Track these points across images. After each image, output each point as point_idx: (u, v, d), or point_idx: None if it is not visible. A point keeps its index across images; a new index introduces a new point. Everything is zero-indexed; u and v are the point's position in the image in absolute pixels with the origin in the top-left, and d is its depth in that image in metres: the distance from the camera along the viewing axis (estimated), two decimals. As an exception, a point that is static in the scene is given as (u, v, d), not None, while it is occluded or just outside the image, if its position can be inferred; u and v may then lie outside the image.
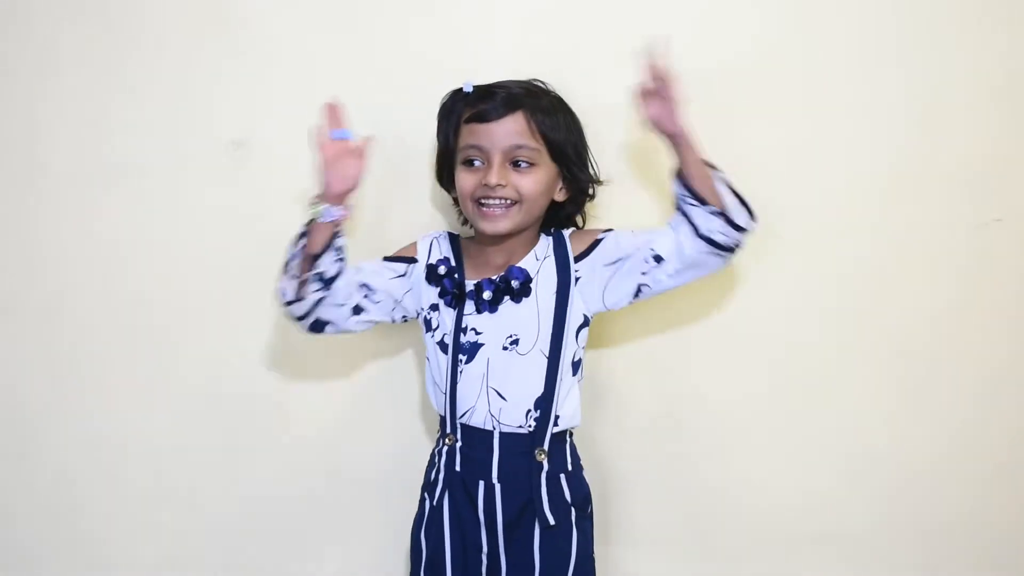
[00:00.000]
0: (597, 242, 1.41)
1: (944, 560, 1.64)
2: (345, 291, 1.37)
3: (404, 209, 1.56)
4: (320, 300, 1.35)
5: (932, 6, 1.56)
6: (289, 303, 1.35)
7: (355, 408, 1.58)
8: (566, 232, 1.44)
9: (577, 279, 1.40)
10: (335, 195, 1.32)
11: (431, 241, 1.45)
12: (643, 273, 1.37)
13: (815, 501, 1.62)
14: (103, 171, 1.57)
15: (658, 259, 1.36)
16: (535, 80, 1.43)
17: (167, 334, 1.59)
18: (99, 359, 1.60)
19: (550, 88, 1.43)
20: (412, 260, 1.44)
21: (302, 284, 1.33)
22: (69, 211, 1.58)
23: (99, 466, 1.61)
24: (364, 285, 1.40)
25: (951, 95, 1.57)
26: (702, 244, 1.33)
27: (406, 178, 1.55)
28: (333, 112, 1.33)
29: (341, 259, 1.35)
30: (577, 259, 1.40)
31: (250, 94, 1.56)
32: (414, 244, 1.46)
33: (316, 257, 1.32)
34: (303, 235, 1.33)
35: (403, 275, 1.43)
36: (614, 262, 1.39)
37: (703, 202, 1.32)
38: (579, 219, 1.49)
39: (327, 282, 1.34)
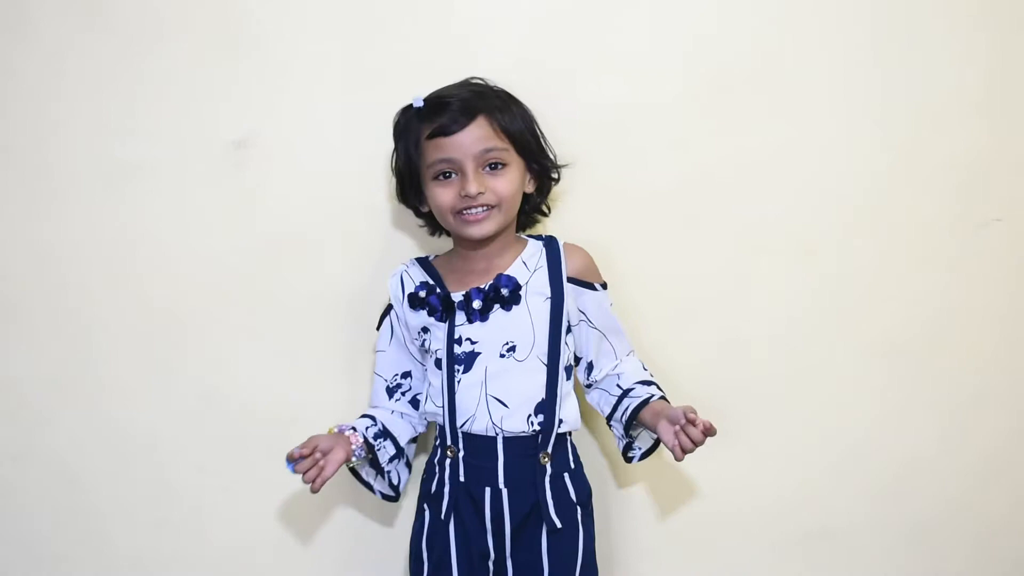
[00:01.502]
0: (591, 286, 1.42)
1: (933, 556, 1.66)
2: (406, 429, 1.47)
3: (400, 213, 1.55)
4: (408, 460, 1.49)
5: (933, 7, 1.56)
6: (397, 495, 1.48)
7: (356, 410, 1.58)
8: (560, 242, 1.43)
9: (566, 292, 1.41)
10: (339, 463, 1.36)
11: (400, 276, 1.45)
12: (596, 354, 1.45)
13: (804, 499, 1.63)
14: (109, 171, 1.56)
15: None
16: (473, 79, 1.41)
17: (171, 333, 1.59)
18: (104, 358, 1.59)
19: (491, 84, 1.41)
20: (389, 308, 1.46)
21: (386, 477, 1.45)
22: (75, 211, 1.57)
23: (104, 465, 1.61)
24: (388, 390, 1.47)
25: (950, 95, 1.58)
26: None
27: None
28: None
29: (386, 437, 1.44)
30: (569, 279, 1.40)
31: (255, 95, 1.55)
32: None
33: (376, 464, 1.43)
34: (360, 478, 1.45)
35: (392, 330, 1.46)
36: (587, 319, 1.42)
37: (626, 428, 1.41)
38: (545, 207, 1.49)
39: (398, 455, 1.45)
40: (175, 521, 1.61)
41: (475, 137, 1.34)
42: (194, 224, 1.57)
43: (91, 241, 1.57)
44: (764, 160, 1.57)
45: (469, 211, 1.35)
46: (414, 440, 1.50)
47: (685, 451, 1.28)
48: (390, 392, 1.47)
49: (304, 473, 1.31)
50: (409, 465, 1.50)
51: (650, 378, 1.43)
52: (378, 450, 1.41)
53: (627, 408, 1.39)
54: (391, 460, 1.43)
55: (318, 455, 1.32)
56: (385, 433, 1.43)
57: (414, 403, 1.48)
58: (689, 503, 1.62)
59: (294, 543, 1.61)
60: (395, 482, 1.46)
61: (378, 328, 1.48)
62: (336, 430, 1.39)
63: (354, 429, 1.40)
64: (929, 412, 1.63)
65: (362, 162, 1.55)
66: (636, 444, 1.44)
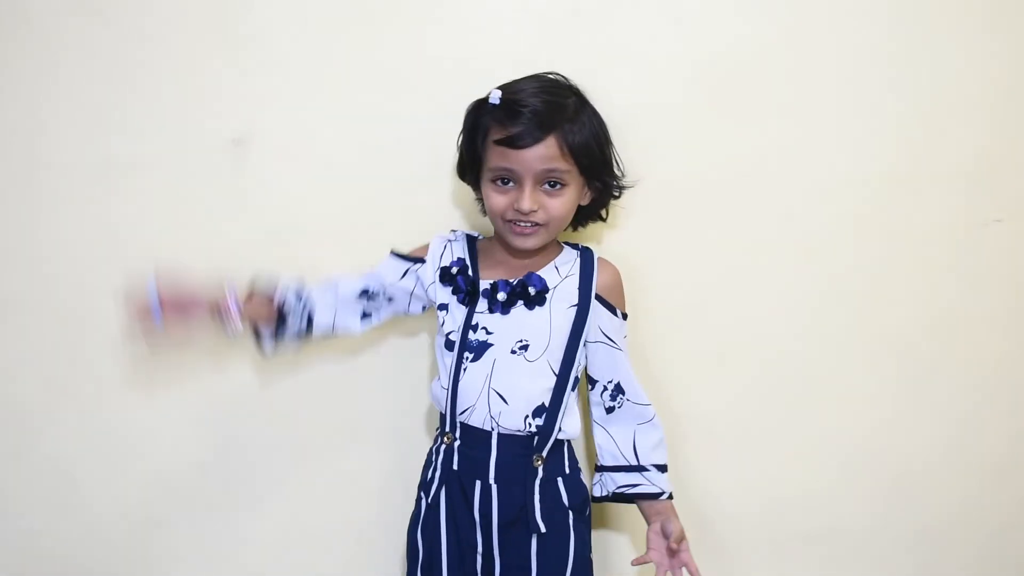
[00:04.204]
0: (613, 309, 1.42)
1: (939, 559, 1.67)
2: (328, 319, 1.42)
3: (401, 212, 1.55)
4: (304, 339, 1.42)
5: (932, 6, 1.55)
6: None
7: (355, 407, 1.58)
8: (595, 255, 1.43)
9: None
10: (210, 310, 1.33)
11: (445, 244, 1.45)
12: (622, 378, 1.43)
13: (810, 501, 1.63)
14: (105, 168, 1.54)
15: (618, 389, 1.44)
16: (551, 74, 1.40)
17: (168, 332, 1.58)
18: (100, 356, 1.57)
19: (569, 82, 1.40)
20: (419, 260, 1.44)
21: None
22: (70, 208, 1.55)
23: (100, 464, 1.60)
24: (364, 292, 1.44)
25: (951, 95, 1.58)
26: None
27: (409, 180, 1.54)
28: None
29: (302, 312, 1.40)
30: (596, 295, 1.40)
31: (253, 92, 1.54)
32: (427, 245, 1.45)
33: (279, 326, 1.39)
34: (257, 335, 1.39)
35: (406, 273, 1.44)
36: (606, 339, 1.41)
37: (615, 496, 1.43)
38: (604, 212, 1.48)
39: (306, 330, 1.41)
40: (173, 521, 1.60)
41: (540, 156, 1.32)
42: (191, 222, 1.56)
43: (88, 238, 1.56)
44: (767, 161, 1.56)
45: (517, 224, 1.36)
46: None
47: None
48: (364, 293, 1.44)
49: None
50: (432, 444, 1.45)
51: (663, 460, 1.42)
52: (280, 319, 1.38)
53: (630, 484, 1.41)
54: (295, 337, 1.40)
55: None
56: (298, 316, 1.40)
57: (365, 315, 1.45)
58: (691, 506, 1.61)
59: (293, 540, 1.61)
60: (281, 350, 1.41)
61: (394, 253, 1.45)
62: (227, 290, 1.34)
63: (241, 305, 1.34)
64: (933, 413, 1.63)
65: (362, 161, 1.54)
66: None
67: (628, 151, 1.51)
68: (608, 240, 1.52)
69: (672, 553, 1.39)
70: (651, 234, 1.56)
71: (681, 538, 1.38)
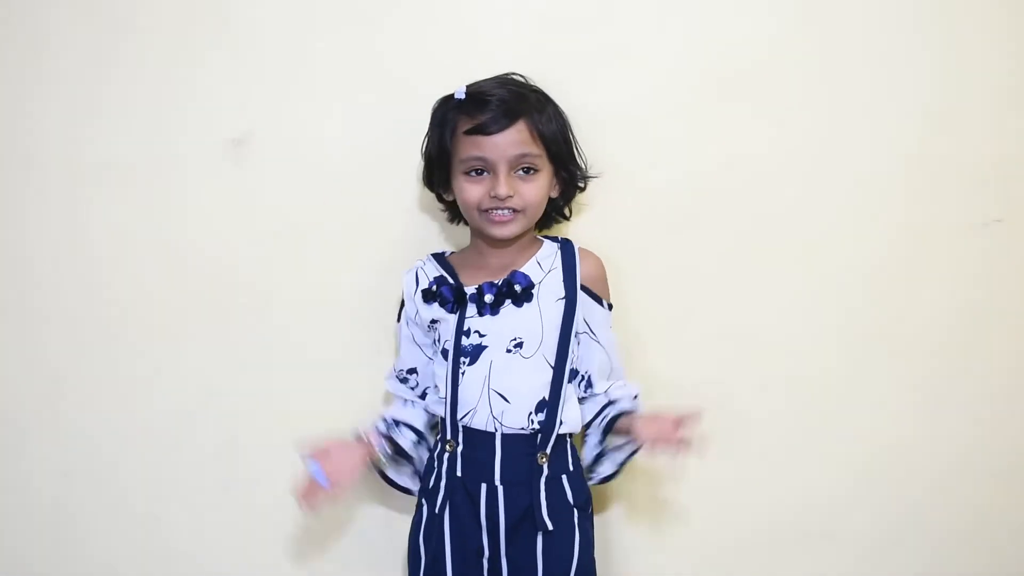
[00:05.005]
0: (600, 300, 1.42)
1: (954, 561, 1.66)
2: (418, 415, 1.48)
3: (399, 213, 1.55)
4: (429, 446, 1.48)
5: (936, 7, 1.56)
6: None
7: (355, 409, 1.57)
8: (575, 246, 1.44)
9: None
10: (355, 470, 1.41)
11: (415, 272, 1.45)
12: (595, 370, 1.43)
13: (820, 501, 1.63)
14: (105, 169, 1.55)
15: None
16: (511, 75, 1.41)
17: (164, 333, 1.58)
18: (94, 358, 1.59)
19: (528, 81, 1.42)
20: (403, 304, 1.46)
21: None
22: (62, 209, 1.56)
23: (95, 466, 1.60)
24: (405, 376, 1.48)
25: (953, 96, 1.58)
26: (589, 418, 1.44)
27: (409, 180, 1.53)
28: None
29: (398, 425, 1.46)
30: (581, 286, 1.41)
31: (253, 92, 1.55)
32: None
33: (402, 452, 1.45)
34: (390, 481, 1.46)
35: (409, 321, 1.46)
36: (591, 332, 1.42)
37: (604, 433, 1.41)
38: (567, 210, 1.49)
39: (420, 439, 1.47)
40: (172, 521, 1.60)
41: (512, 140, 1.34)
42: (192, 223, 1.57)
43: (81, 238, 1.57)
44: (768, 162, 1.56)
45: (495, 211, 1.36)
46: (434, 427, 1.49)
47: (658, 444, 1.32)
48: (403, 381, 1.48)
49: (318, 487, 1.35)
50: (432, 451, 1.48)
51: (637, 405, 1.42)
52: (397, 438, 1.43)
53: (607, 415, 1.41)
54: (415, 445, 1.45)
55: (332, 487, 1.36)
56: (396, 422, 1.45)
57: (423, 396, 1.47)
58: (690, 507, 1.61)
59: (292, 542, 1.60)
60: (422, 470, 1.46)
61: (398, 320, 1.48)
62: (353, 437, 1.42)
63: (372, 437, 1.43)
64: (931, 413, 1.63)
65: (363, 161, 1.54)
66: (599, 468, 1.43)
67: (628, 151, 1.52)
68: (606, 239, 1.51)
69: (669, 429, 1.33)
70: (650, 234, 1.56)
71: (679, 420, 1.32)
